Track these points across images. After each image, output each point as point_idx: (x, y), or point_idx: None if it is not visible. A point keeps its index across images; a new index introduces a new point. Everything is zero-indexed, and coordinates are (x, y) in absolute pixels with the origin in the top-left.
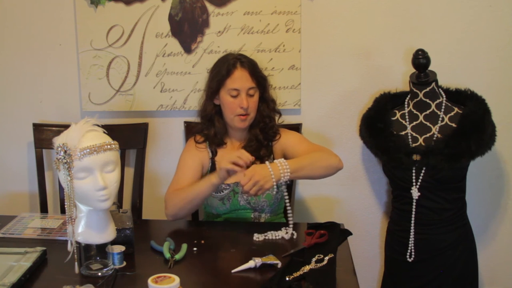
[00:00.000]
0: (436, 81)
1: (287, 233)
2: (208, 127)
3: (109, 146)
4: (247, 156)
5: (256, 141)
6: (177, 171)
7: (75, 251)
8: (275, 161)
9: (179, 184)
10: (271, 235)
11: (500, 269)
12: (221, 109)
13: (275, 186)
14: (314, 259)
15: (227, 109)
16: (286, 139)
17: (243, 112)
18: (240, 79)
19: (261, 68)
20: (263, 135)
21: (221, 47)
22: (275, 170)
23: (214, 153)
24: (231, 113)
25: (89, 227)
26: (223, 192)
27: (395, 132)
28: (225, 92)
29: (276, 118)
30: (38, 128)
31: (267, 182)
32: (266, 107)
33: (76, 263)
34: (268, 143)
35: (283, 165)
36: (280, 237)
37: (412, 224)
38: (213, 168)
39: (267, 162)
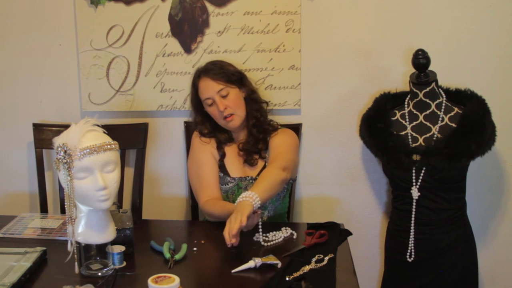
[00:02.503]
0: (436, 81)
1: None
2: (215, 137)
3: (109, 146)
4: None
5: (252, 136)
6: (196, 172)
7: (75, 251)
8: (242, 195)
9: (205, 186)
10: (271, 235)
11: (500, 269)
12: None
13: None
14: (314, 259)
15: (213, 117)
16: (278, 138)
17: (225, 115)
18: (205, 88)
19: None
20: (256, 129)
21: (221, 47)
22: (243, 203)
23: (223, 156)
24: (218, 119)
25: (89, 227)
26: (228, 185)
27: (395, 132)
28: (204, 104)
29: (265, 107)
30: (38, 128)
31: (242, 214)
32: (250, 99)
33: (76, 263)
34: (264, 137)
35: (251, 195)
36: (280, 237)
37: (412, 224)
38: (223, 168)
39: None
